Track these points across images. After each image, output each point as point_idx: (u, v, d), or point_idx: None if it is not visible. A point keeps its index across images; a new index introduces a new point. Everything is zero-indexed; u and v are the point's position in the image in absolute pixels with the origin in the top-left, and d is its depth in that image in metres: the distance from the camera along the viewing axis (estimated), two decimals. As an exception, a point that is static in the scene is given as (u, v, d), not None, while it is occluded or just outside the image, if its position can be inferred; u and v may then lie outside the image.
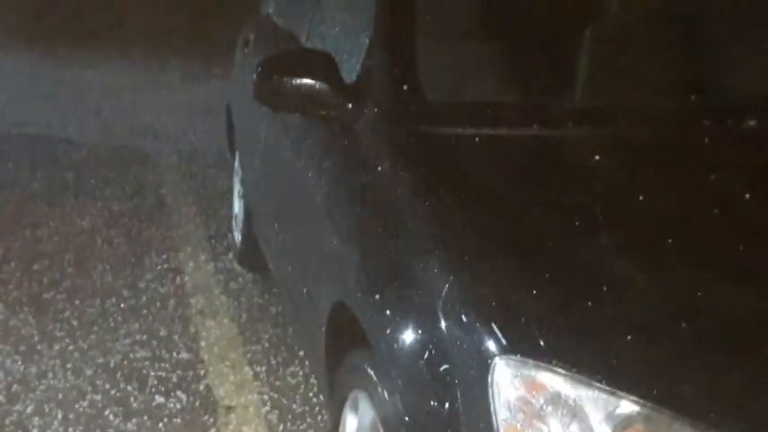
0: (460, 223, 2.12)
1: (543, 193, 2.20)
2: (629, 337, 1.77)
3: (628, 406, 1.67)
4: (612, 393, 1.68)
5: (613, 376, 1.70)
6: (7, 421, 3.14)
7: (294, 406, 3.31)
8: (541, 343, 1.78)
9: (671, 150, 2.38)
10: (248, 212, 4.15)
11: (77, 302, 4.01)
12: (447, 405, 1.86)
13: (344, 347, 2.40)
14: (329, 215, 2.62)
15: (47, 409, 3.21)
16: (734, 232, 2.07)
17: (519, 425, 1.73)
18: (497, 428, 1.74)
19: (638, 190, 2.18)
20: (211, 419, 3.20)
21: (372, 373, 2.14)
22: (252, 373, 3.52)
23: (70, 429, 3.10)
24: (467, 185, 2.23)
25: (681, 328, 1.78)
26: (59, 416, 3.18)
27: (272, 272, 3.73)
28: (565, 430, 1.69)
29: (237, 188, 4.52)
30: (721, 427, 1.64)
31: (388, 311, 2.10)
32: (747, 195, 2.17)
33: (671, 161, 2.34)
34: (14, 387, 3.35)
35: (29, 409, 3.21)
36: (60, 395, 3.30)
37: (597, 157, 2.31)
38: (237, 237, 4.44)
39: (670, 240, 2.00)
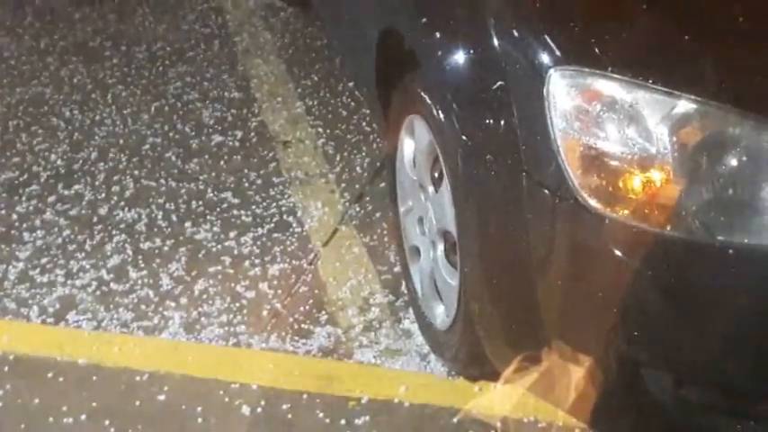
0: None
1: None
2: (685, 38, 1.73)
3: (684, 105, 1.67)
4: (669, 94, 1.67)
5: (669, 77, 1.68)
6: (75, 167, 3.26)
7: (349, 136, 3.37)
8: (596, 50, 1.75)
9: None
10: (283, -56, 4.03)
11: (124, 48, 4.03)
12: (503, 122, 1.87)
13: (396, 73, 2.40)
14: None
15: (110, 155, 3.32)
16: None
17: (576, 134, 1.74)
18: (555, 139, 1.75)
19: None
20: (270, 154, 3.29)
21: (426, 96, 2.15)
22: (304, 107, 3.57)
23: (136, 172, 3.22)
24: None
25: (738, 26, 1.74)
26: (123, 159, 3.29)
27: (313, 4, 3.68)
28: (622, 135, 1.70)
29: None
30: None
31: (437, 33, 2.08)
32: None
33: None
34: (76, 135, 3.44)
35: (93, 156, 3.32)
36: (121, 140, 3.40)
37: None
38: (275, -29, 4.34)
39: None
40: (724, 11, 1.78)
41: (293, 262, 2.76)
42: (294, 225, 2.92)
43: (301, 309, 2.59)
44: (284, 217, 2.96)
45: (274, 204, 3.02)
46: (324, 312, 2.58)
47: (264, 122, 3.47)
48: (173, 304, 2.64)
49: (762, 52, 1.71)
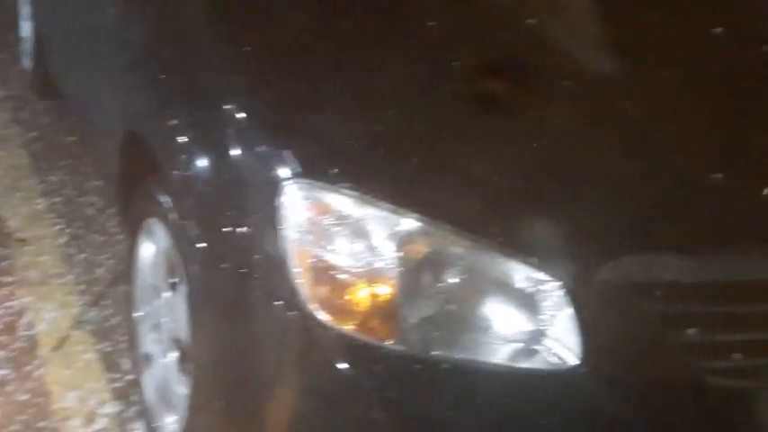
0: (254, 47, 2.07)
1: (342, 18, 2.17)
2: (413, 160, 1.82)
3: (408, 223, 1.73)
4: (394, 212, 1.73)
5: (395, 195, 1.75)
6: None
7: (92, 236, 3.25)
8: (329, 167, 1.80)
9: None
10: (39, 36, 3.92)
11: None
12: (239, 230, 1.87)
13: (138, 175, 2.36)
14: (120, 39, 2.52)
15: None
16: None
17: (308, 246, 1.77)
18: (287, 250, 1.77)
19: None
20: (5, 252, 3.10)
21: (166, 200, 2.13)
22: (47, 203, 3.42)
23: None
24: (260, 6, 2.17)
25: (460, 150, 1.85)
26: None
27: (65, 99, 3.58)
28: (351, 249, 1.74)
29: (25, 8, 4.22)
30: (494, 237, 1.72)
31: (179, 138, 2.07)
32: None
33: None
34: None
35: None
36: None
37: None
38: (28, 63, 4.20)
39: (455, 62, 2.05)
40: (447, 135, 1.88)
41: (17, 368, 2.59)
42: (22, 328, 2.75)
43: (20, 419, 2.42)
44: (12, 319, 2.78)
45: (2, 306, 2.84)
46: (46, 423, 2.42)
47: (2, 217, 3.29)
48: None
49: (479, 177, 1.81)
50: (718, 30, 2.22)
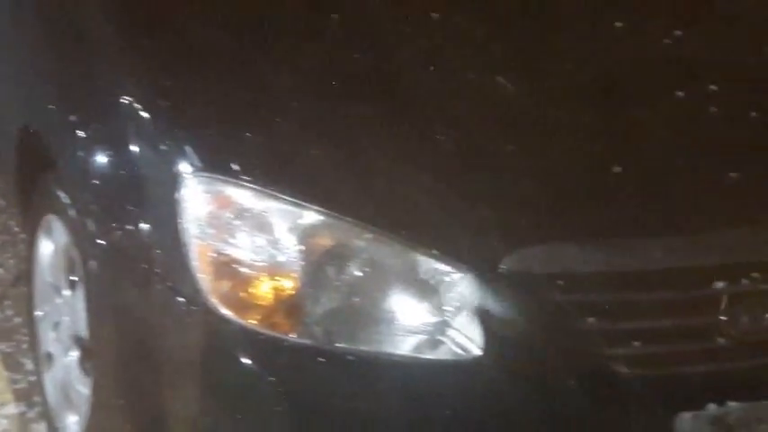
0: (152, 40, 2.03)
1: (242, 11, 2.14)
2: (315, 153, 1.81)
3: (311, 216, 1.72)
4: (296, 204, 1.72)
5: (297, 189, 1.73)
6: None
7: (-6, 236, 3.16)
8: (230, 160, 1.77)
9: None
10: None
11: None
12: (139, 226, 1.84)
13: (35, 172, 2.30)
14: (14, 33, 2.46)
15: None
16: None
17: (208, 240, 1.74)
18: (187, 244, 1.74)
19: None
20: None
21: (64, 195, 2.08)
22: (-55, 204, 3.30)
23: None
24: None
25: (362, 143, 1.84)
26: None
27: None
28: (251, 242, 1.72)
29: None
30: (396, 229, 1.72)
31: (77, 133, 2.02)
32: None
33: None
34: None
35: None
36: None
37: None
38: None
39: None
40: (349, 128, 1.86)
41: None
42: None
43: None
44: None
45: None
46: (-59, 427, 2.35)
47: None
48: None
49: (381, 169, 1.81)
50: (616, 23, 2.25)
